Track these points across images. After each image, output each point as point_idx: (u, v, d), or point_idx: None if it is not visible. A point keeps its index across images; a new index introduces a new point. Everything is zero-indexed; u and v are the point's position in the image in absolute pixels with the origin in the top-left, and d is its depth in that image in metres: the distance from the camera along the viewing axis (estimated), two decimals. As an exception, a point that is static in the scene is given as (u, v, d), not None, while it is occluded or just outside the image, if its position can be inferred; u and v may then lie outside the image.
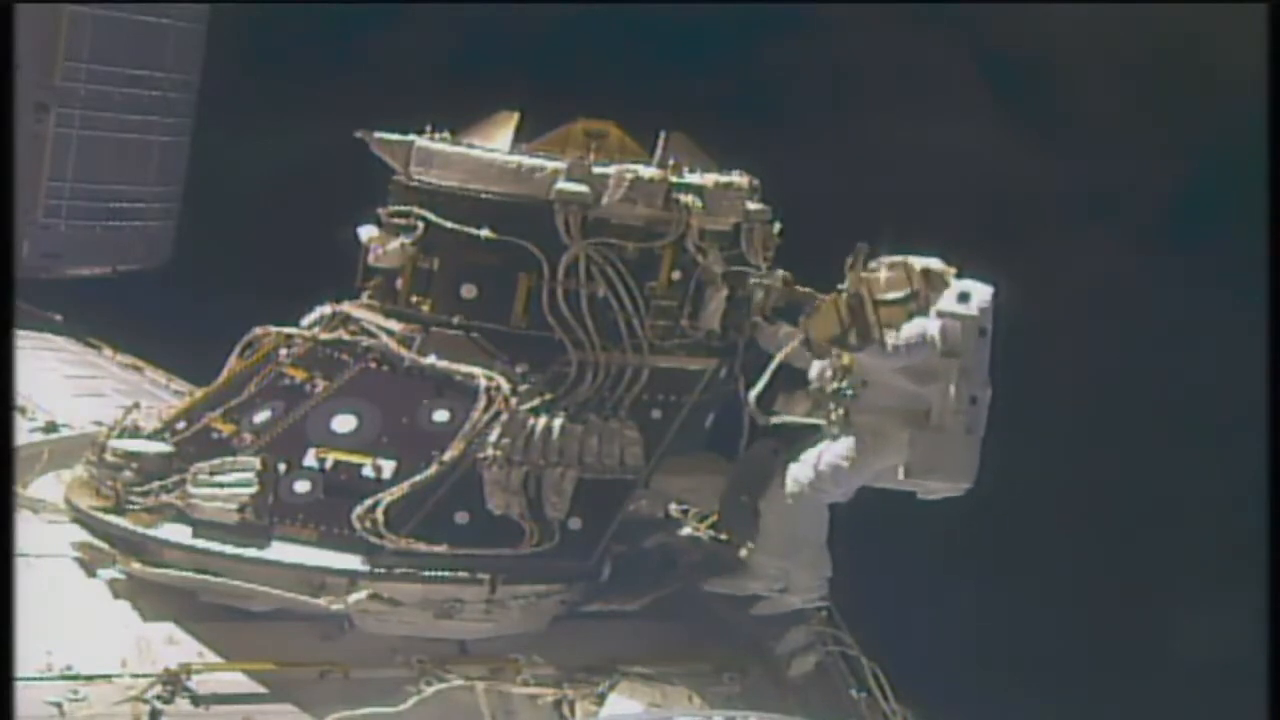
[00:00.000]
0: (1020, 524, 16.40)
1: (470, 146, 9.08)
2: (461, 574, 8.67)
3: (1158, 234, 17.38)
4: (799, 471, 8.94)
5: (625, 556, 9.10)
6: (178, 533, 8.71)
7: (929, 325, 8.76)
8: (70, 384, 11.72)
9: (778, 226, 9.32)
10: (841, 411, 8.86)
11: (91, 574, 8.75)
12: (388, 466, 8.74)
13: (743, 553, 9.23)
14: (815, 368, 8.97)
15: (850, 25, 17.37)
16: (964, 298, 8.83)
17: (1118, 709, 16.38)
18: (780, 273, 9.14)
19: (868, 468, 8.90)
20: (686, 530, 9.79)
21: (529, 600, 8.84)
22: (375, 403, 8.91)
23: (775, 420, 9.02)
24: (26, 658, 7.91)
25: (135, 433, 9.27)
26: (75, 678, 8.16)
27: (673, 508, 9.68)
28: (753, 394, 8.96)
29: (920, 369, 8.78)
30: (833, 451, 8.91)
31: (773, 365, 8.95)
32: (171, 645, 8.45)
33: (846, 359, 8.86)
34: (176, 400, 11.09)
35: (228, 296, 13.68)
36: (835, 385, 8.89)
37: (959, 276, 8.92)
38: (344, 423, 8.87)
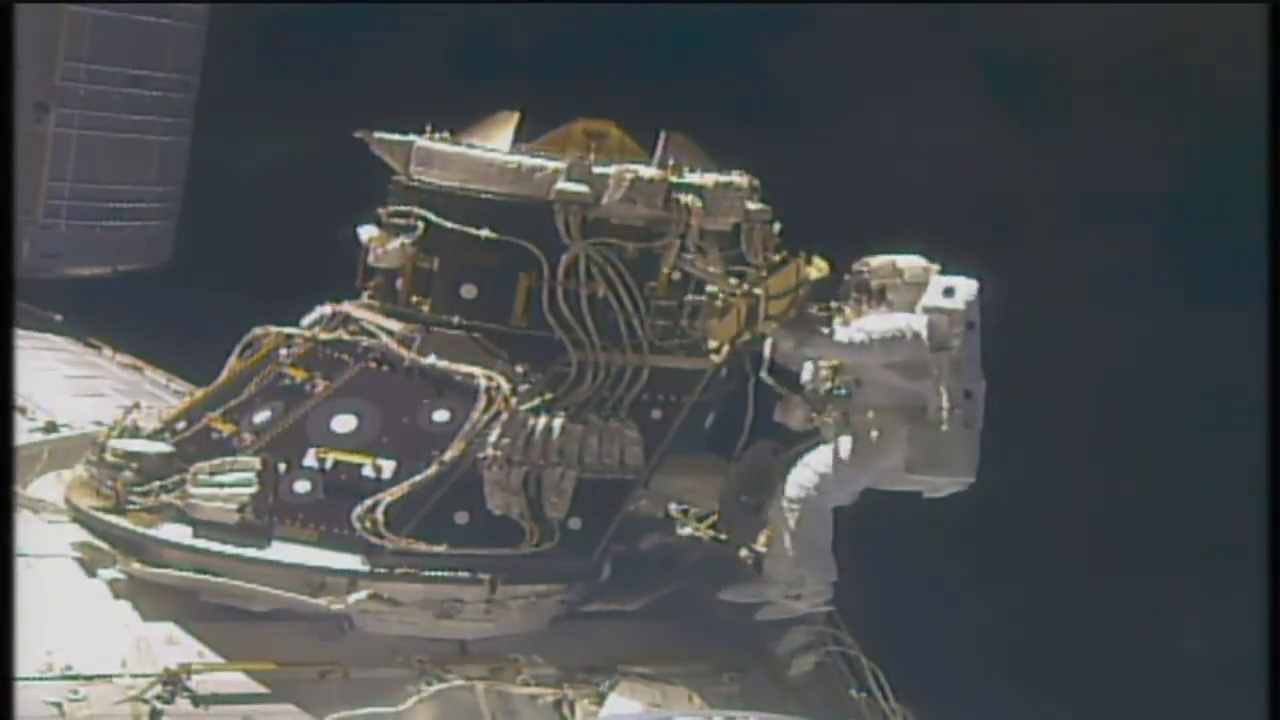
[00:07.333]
0: (1019, 523, 16.41)
1: (470, 146, 9.09)
2: (461, 574, 8.67)
3: (1158, 234, 17.38)
4: (802, 475, 8.95)
5: (625, 556, 9.11)
6: (178, 533, 8.72)
7: (910, 320, 8.79)
8: (70, 384, 11.70)
9: (778, 226, 9.32)
10: (838, 413, 8.89)
11: (91, 574, 8.75)
12: (388, 466, 8.74)
13: (744, 553, 9.24)
14: (807, 370, 9.00)
15: (850, 25, 17.36)
16: (949, 292, 8.85)
17: (1118, 708, 16.38)
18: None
19: (870, 467, 8.91)
20: (686, 530, 9.80)
21: (529, 600, 8.84)
22: (375, 403, 8.91)
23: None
24: (26, 658, 7.90)
25: (135, 433, 9.27)
26: (75, 678, 8.16)
27: (673, 508, 9.68)
28: (763, 371, 8.96)
29: (911, 365, 8.80)
30: (833, 453, 8.92)
31: (766, 355, 8.96)
32: (171, 645, 8.45)
33: (835, 359, 8.89)
34: (176, 400, 11.09)
35: (228, 296, 13.67)
36: (828, 386, 8.93)
37: (943, 272, 8.95)
38: (344, 423, 8.87)
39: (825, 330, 8.76)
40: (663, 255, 8.88)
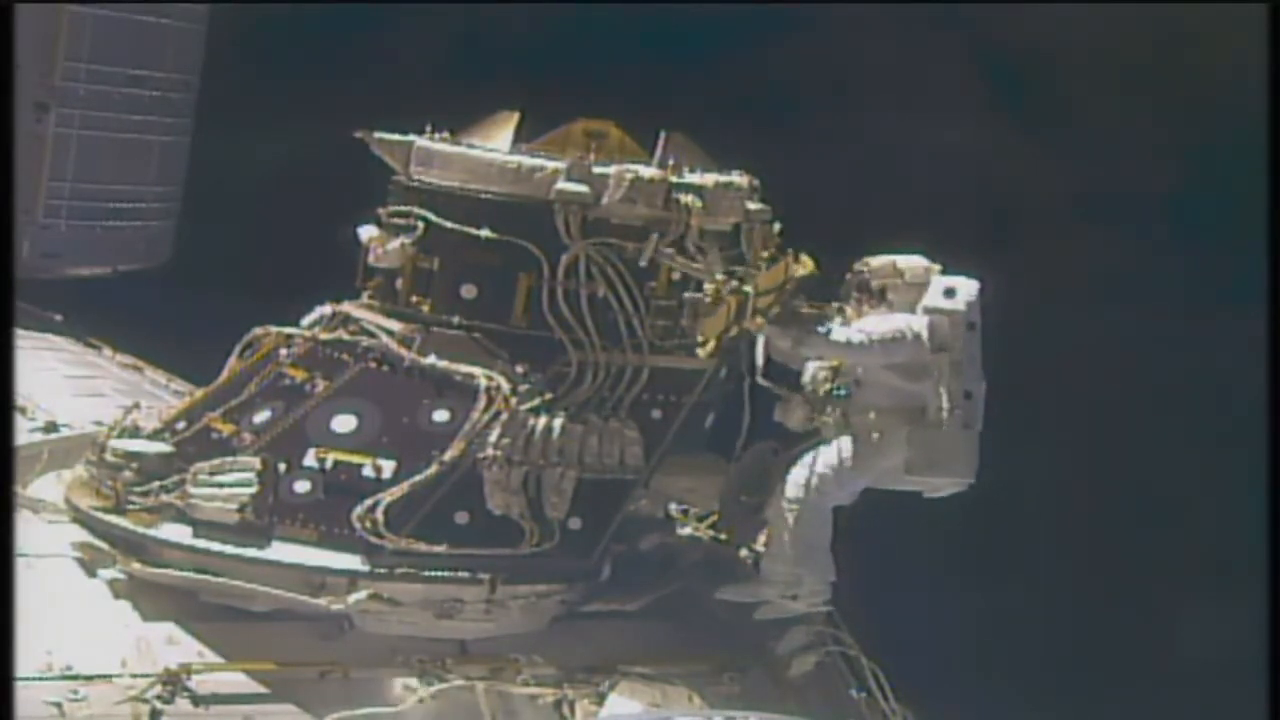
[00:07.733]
0: (1019, 524, 16.40)
1: (470, 146, 9.09)
2: (461, 574, 8.67)
3: (1158, 234, 17.38)
4: (801, 475, 8.96)
5: (625, 556, 9.11)
6: (178, 533, 8.72)
7: (911, 321, 8.80)
8: (70, 384, 11.69)
9: (778, 226, 9.32)
10: (838, 413, 8.90)
11: (91, 574, 8.75)
12: (388, 466, 8.74)
13: (743, 553, 9.24)
14: (807, 371, 9.01)
15: (850, 25, 17.37)
16: (950, 293, 8.86)
17: (1117, 708, 16.37)
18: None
19: (869, 468, 8.92)
20: (686, 530, 9.79)
21: (529, 600, 8.84)
22: (375, 403, 8.91)
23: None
24: (26, 658, 7.90)
25: (135, 433, 9.27)
26: (75, 678, 8.15)
27: (673, 508, 9.68)
28: (758, 373, 8.96)
29: (911, 366, 8.80)
30: (833, 453, 8.92)
31: (759, 358, 8.96)
32: (171, 645, 8.45)
33: (835, 360, 8.90)
34: (176, 400, 11.09)
35: (228, 296, 13.67)
36: (828, 387, 8.94)
37: (944, 273, 8.95)
38: (344, 423, 8.87)
39: (822, 330, 8.76)
40: (644, 250, 8.85)
